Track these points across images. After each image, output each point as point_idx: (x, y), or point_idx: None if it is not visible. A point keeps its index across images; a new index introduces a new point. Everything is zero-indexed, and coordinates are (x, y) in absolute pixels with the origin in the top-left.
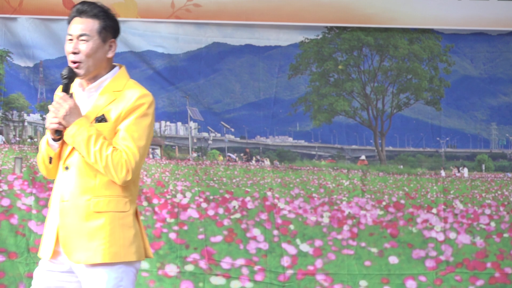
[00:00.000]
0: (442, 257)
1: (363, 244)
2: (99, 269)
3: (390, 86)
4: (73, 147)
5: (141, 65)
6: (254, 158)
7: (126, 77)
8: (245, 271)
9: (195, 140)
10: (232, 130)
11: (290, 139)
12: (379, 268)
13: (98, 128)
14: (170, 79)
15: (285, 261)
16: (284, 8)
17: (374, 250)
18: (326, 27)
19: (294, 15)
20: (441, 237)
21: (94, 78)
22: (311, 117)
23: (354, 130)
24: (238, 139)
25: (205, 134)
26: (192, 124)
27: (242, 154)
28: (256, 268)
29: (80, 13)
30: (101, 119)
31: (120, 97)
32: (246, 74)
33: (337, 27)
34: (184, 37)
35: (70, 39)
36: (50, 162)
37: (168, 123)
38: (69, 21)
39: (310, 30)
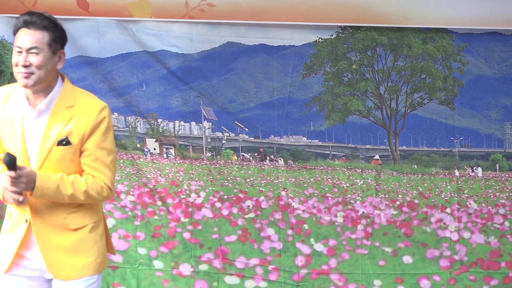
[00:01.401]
0: (456, 257)
1: (377, 244)
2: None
3: (404, 85)
4: None
5: (155, 65)
6: (268, 158)
7: (73, 88)
8: (259, 270)
9: (209, 140)
10: (246, 129)
11: (304, 138)
12: (393, 267)
13: (62, 151)
14: (184, 78)
15: (299, 260)
16: (298, 7)
17: (388, 249)
18: (340, 26)
19: (308, 14)
20: (455, 236)
21: (44, 90)
22: (325, 117)
23: (368, 129)
24: (252, 138)
25: (219, 134)
26: (206, 124)
27: (256, 154)
28: (270, 267)
29: (29, 24)
30: (65, 142)
31: (77, 114)
32: (260, 73)
33: (351, 27)
34: (198, 37)
35: (19, 51)
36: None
37: (182, 122)
38: (14, 32)
39: (324, 29)
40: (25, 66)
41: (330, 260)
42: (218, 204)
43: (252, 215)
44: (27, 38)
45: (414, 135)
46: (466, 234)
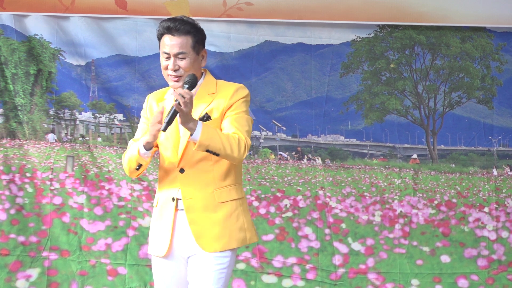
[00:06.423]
0: (494, 256)
1: (414, 243)
2: (220, 255)
3: (442, 84)
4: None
5: None
6: (305, 157)
7: (214, 79)
8: (296, 269)
9: None
10: (284, 128)
11: (342, 137)
12: (431, 267)
13: None
14: (222, 77)
15: (337, 259)
16: (336, 6)
17: (426, 249)
18: (378, 25)
19: (346, 13)
20: (493, 236)
21: None
22: (363, 116)
23: (406, 128)
24: (289, 137)
25: (257, 133)
26: None
27: (293, 153)
28: (308, 266)
29: (172, 31)
30: (206, 118)
31: (217, 98)
32: (298, 72)
33: (389, 26)
34: (236, 36)
35: (167, 57)
36: (137, 169)
37: None
38: (159, 37)
39: (362, 28)
40: (174, 70)
41: (367, 259)
42: (255, 203)
43: (289, 214)
44: (173, 44)
45: (452, 134)
46: (504, 234)
